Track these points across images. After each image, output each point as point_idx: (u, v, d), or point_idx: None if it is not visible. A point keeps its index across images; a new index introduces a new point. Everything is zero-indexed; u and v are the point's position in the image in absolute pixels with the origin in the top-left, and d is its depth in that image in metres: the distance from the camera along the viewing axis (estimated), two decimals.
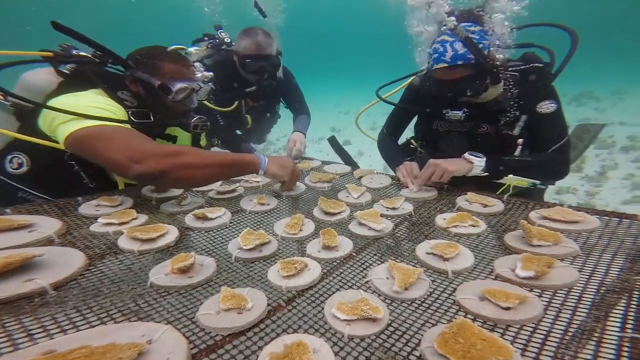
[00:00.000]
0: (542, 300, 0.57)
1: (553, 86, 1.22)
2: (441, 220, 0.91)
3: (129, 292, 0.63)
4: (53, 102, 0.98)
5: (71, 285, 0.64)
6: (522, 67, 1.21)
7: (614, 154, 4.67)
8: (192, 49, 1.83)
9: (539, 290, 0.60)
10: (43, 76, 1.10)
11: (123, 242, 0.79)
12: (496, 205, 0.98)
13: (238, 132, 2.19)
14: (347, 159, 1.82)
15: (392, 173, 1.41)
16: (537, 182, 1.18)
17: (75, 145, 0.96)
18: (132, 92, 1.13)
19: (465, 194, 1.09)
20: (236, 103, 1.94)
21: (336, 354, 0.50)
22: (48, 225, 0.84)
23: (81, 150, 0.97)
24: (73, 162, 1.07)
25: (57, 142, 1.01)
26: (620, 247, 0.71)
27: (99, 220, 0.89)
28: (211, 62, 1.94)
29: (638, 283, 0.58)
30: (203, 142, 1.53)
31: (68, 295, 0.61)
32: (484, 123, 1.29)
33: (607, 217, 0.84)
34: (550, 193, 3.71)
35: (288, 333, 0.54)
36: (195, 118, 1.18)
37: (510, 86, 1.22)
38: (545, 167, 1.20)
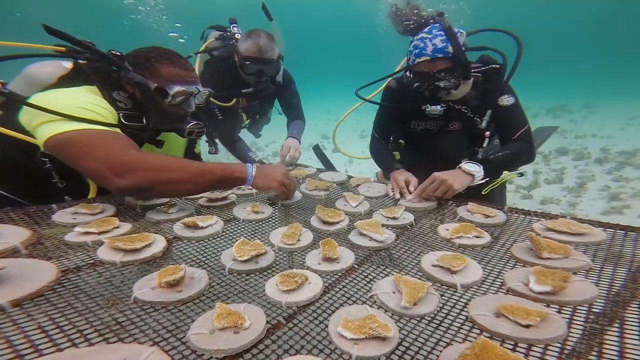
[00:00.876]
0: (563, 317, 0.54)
1: (509, 85, 1.36)
2: (444, 230, 0.89)
3: (109, 309, 0.55)
4: (37, 97, 0.92)
5: (37, 302, 0.56)
6: (483, 68, 1.35)
7: (589, 165, 4.91)
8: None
9: (557, 306, 0.57)
10: (48, 69, 1.06)
11: (103, 253, 0.72)
12: (498, 215, 0.97)
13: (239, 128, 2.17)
14: (330, 168, 1.82)
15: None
16: (523, 172, 1.32)
17: (55, 150, 0.90)
18: (128, 93, 1.07)
19: (466, 204, 1.07)
20: (234, 100, 1.92)
21: None
22: (13, 234, 0.75)
23: (60, 156, 0.91)
24: (46, 159, 0.99)
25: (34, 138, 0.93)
26: (633, 261, 0.70)
27: (76, 229, 0.81)
28: (217, 54, 1.93)
29: None
30: (197, 149, 1.46)
31: (32, 314, 0.53)
32: (454, 120, 1.42)
33: (612, 230, 0.84)
34: (534, 203, 3.83)
35: (290, 354, 0.49)
36: (191, 124, 1.11)
37: (476, 85, 1.35)
38: (520, 154, 1.31)
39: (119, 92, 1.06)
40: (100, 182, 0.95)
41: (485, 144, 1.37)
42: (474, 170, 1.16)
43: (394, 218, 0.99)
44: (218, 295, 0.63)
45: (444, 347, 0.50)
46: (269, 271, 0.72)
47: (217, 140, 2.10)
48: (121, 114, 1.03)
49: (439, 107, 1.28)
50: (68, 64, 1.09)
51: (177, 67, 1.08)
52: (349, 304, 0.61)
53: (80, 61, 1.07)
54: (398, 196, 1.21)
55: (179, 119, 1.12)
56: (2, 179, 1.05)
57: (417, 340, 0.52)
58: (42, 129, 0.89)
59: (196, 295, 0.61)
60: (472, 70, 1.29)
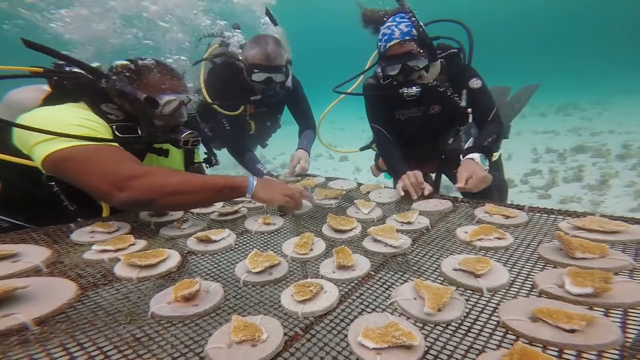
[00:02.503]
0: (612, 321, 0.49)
1: (472, 67, 1.48)
2: (463, 233, 0.85)
3: (127, 325, 0.55)
4: (27, 117, 0.91)
5: (59, 320, 0.56)
6: (444, 53, 1.48)
7: (610, 162, 4.71)
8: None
9: (603, 309, 0.53)
10: (29, 94, 1.04)
11: (120, 270, 0.72)
12: (519, 216, 0.93)
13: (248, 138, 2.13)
14: None
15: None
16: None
17: (54, 169, 0.90)
18: (117, 104, 1.06)
19: (483, 205, 1.04)
20: (242, 108, 1.89)
21: None
22: (35, 254, 0.77)
23: (60, 174, 0.91)
24: (52, 183, 0.97)
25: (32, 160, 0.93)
26: None
27: (93, 247, 0.82)
28: (221, 61, 1.87)
29: None
30: (197, 158, 1.43)
31: (54, 331, 0.53)
32: (434, 104, 1.53)
33: None
34: (553, 203, 3.66)
35: None
36: (185, 133, 1.09)
37: (442, 70, 1.47)
38: (499, 135, 1.43)
39: (108, 104, 1.04)
40: (101, 197, 0.94)
41: (469, 120, 1.48)
42: (477, 157, 1.27)
43: (409, 223, 0.96)
44: (234, 308, 0.61)
45: (477, 355, 0.47)
46: (284, 282, 0.71)
47: (216, 151, 2.07)
48: (114, 127, 1.01)
49: (414, 88, 1.38)
50: (47, 86, 1.06)
51: (165, 76, 1.06)
52: (368, 312, 0.59)
53: (55, 78, 1.04)
54: (424, 192, 1.22)
55: (173, 130, 1.10)
56: (14, 209, 1.03)
57: (445, 349, 0.49)
58: (38, 149, 0.88)
59: (212, 309, 0.60)
60: (437, 54, 1.41)
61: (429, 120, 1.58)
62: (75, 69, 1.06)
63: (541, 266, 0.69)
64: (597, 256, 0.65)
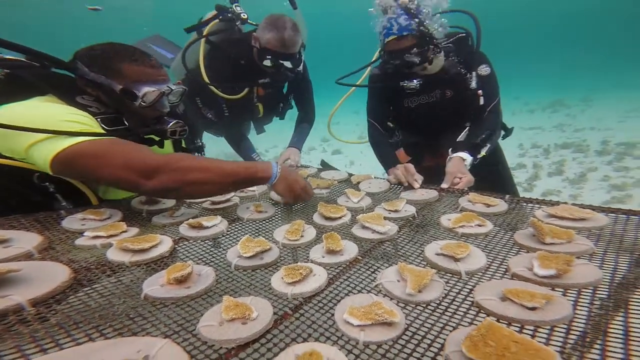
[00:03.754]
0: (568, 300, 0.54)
1: (483, 53, 1.48)
2: (446, 220, 0.90)
3: (121, 306, 0.57)
4: (4, 115, 0.84)
5: (54, 301, 0.58)
6: (452, 39, 1.49)
7: (589, 157, 4.90)
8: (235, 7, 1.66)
9: (562, 289, 0.58)
10: None
11: (112, 254, 0.73)
12: (500, 204, 0.98)
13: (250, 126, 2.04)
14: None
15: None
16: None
17: (65, 167, 0.85)
18: (92, 96, 0.98)
19: (467, 194, 1.08)
20: (246, 90, 1.75)
21: None
22: (26, 239, 0.77)
23: (72, 171, 0.88)
24: (46, 184, 0.92)
25: (18, 160, 0.88)
26: (636, 244, 0.70)
27: (86, 233, 0.83)
28: (219, 39, 1.70)
29: None
30: (184, 143, 1.35)
31: (49, 312, 0.54)
32: (446, 88, 1.52)
33: (614, 214, 0.84)
34: (536, 194, 3.81)
35: (298, 342, 0.50)
36: (171, 123, 1.03)
37: (452, 55, 1.48)
38: (496, 131, 1.45)
39: (82, 96, 0.96)
40: (126, 187, 0.92)
41: (482, 102, 1.45)
42: (465, 155, 1.32)
43: (396, 211, 1.00)
44: (225, 291, 0.64)
45: (451, 332, 0.51)
46: (274, 266, 0.73)
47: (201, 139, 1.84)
48: (99, 119, 0.95)
49: (414, 81, 1.39)
50: None
51: (142, 65, 0.98)
52: (354, 294, 0.62)
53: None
54: (414, 184, 1.23)
55: (157, 120, 1.05)
56: (5, 214, 0.92)
57: (424, 326, 0.53)
58: (40, 149, 0.83)
59: (204, 291, 0.62)
60: (443, 43, 1.42)
61: (441, 106, 1.55)
62: (11, 57, 0.92)
63: (516, 251, 0.74)
64: (565, 241, 0.70)
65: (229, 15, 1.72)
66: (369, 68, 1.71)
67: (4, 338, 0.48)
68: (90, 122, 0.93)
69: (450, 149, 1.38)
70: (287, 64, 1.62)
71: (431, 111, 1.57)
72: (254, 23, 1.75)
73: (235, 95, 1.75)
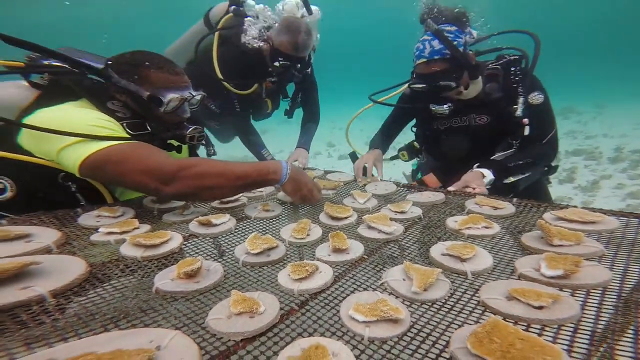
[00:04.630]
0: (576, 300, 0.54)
1: (536, 77, 1.34)
2: (453, 222, 0.89)
3: (134, 299, 0.59)
4: (42, 119, 0.89)
5: (72, 293, 0.60)
6: (501, 62, 1.37)
7: (601, 164, 4.78)
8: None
9: (570, 290, 0.57)
10: (12, 90, 1.00)
11: (125, 250, 0.76)
12: (507, 207, 0.97)
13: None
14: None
15: (400, 181, 1.43)
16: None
17: (93, 170, 0.90)
18: (121, 101, 1.05)
19: (474, 197, 1.08)
20: (255, 85, 1.78)
21: (357, 357, 0.46)
22: (46, 235, 0.81)
23: (99, 175, 0.93)
24: (69, 183, 0.97)
25: (44, 160, 0.93)
26: None
27: (100, 230, 0.86)
28: (230, 34, 1.72)
29: None
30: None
31: (69, 303, 0.57)
32: (482, 114, 1.40)
33: (625, 218, 0.83)
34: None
35: (304, 337, 0.51)
36: (190, 129, 1.10)
37: (497, 78, 1.36)
38: (539, 161, 1.32)
39: (113, 102, 1.03)
40: (147, 192, 0.97)
41: (526, 132, 1.28)
42: (487, 174, 1.22)
43: (402, 212, 1.00)
44: (233, 286, 0.65)
45: (456, 330, 0.51)
46: (281, 263, 0.75)
47: (213, 142, 1.86)
48: (124, 124, 1.01)
49: (444, 106, 1.31)
50: (24, 82, 1.01)
51: (167, 72, 1.04)
52: (360, 291, 0.63)
53: (39, 77, 1.00)
54: (359, 173, 1.28)
55: (177, 126, 1.11)
56: (31, 211, 0.96)
57: (429, 324, 0.53)
58: (69, 153, 0.88)
59: (212, 286, 0.64)
60: (490, 65, 1.33)
61: (473, 131, 1.43)
62: (56, 63, 1.00)
63: (523, 253, 0.74)
64: (573, 243, 0.69)
65: (241, 9, 1.72)
66: (402, 88, 1.64)
67: (30, 327, 0.50)
68: (115, 127, 0.98)
69: (476, 165, 1.28)
70: (297, 66, 1.68)
71: (462, 136, 1.46)
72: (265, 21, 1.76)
73: (247, 91, 1.79)
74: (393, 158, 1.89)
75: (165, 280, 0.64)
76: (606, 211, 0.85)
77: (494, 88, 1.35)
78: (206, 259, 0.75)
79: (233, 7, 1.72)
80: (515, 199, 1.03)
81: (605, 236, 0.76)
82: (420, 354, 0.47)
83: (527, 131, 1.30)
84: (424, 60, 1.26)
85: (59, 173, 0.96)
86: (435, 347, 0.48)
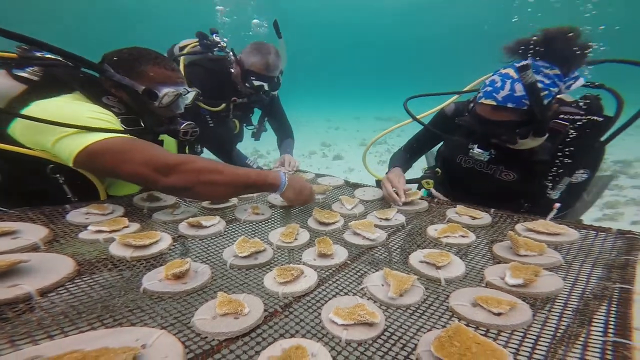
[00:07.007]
0: (531, 307, 0.59)
1: (603, 150, 1.07)
2: (433, 230, 0.94)
3: (121, 298, 0.61)
4: (37, 110, 0.90)
5: (59, 291, 0.62)
6: (577, 117, 1.04)
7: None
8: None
9: (531, 298, 0.62)
10: (1, 79, 0.99)
11: (114, 249, 0.78)
12: (484, 217, 1.03)
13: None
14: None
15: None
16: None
17: (89, 161, 0.90)
18: (116, 97, 1.06)
19: (455, 206, 1.13)
20: (224, 105, 1.89)
21: (334, 358, 0.50)
22: (33, 232, 0.81)
23: (95, 166, 0.93)
24: (57, 175, 0.97)
25: (31, 150, 0.92)
26: (598, 258, 0.76)
27: (89, 227, 0.87)
28: (197, 58, 1.86)
29: (616, 291, 0.62)
30: (186, 151, 1.43)
31: (55, 301, 0.58)
32: (511, 170, 1.17)
33: (585, 230, 0.89)
34: None
35: (285, 338, 0.54)
36: (184, 124, 1.11)
37: (557, 135, 1.07)
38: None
39: (108, 97, 1.04)
40: (144, 183, 0.97)
41: (552, 215, 0.94)
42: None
43: (387, 219, 1.05)
44: (220, 287, 0.68)
45: (424, 333, 0.55)
46: (268, 267, 0.78)
47: (202, 148, 1.99)
48: (120, 119, 1.02)
49: (486, 153, 1.08)
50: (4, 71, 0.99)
51: (163, 67, 1.06)
52: (341, 296, 0.67)
53: (30, 69, 0.99)
54: (398, 200, 1.15)
55: (170, 121, 1.12)
56: (15, 201, 0.98)
57: (402, 327, 0.57)
58: (65, 144, 0.88)
59: (200, 287, 0.67)
60: (562, 116, 1.04)
61: (493, 182, 1.23)
62: (48, 55, 1.00)
63: (493, 262, 0.79)
64: (537, 253, 0.75)
65: (207, 42, 1.91)
66: (452, 98, 1.37)
67: (15, 324, 0.52)
68: (113, 119, 0.99)
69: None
70: (268, 87, 1.81)
71: (479, 183, 1.27)
72: (228, 51, 1.93)
73: (217, 108, 1.90)
74: (418, 187, 1.46)
75: (154, 280, 0.66)
76: (569, 223, 0.92)
77: (545, 148, 1.08)
78: (194, 261, 0.77)
79: (200, 39, 1.90)
80: (492, 210, 1.09)
81: (565, 247, 0.82)
82: (390, 355, 0.51)
83: (551, 215, 0.96)
84: (492, 103, 0.99)
85: (48, 164, 0.96)
86: (404, 350, 0.52)
